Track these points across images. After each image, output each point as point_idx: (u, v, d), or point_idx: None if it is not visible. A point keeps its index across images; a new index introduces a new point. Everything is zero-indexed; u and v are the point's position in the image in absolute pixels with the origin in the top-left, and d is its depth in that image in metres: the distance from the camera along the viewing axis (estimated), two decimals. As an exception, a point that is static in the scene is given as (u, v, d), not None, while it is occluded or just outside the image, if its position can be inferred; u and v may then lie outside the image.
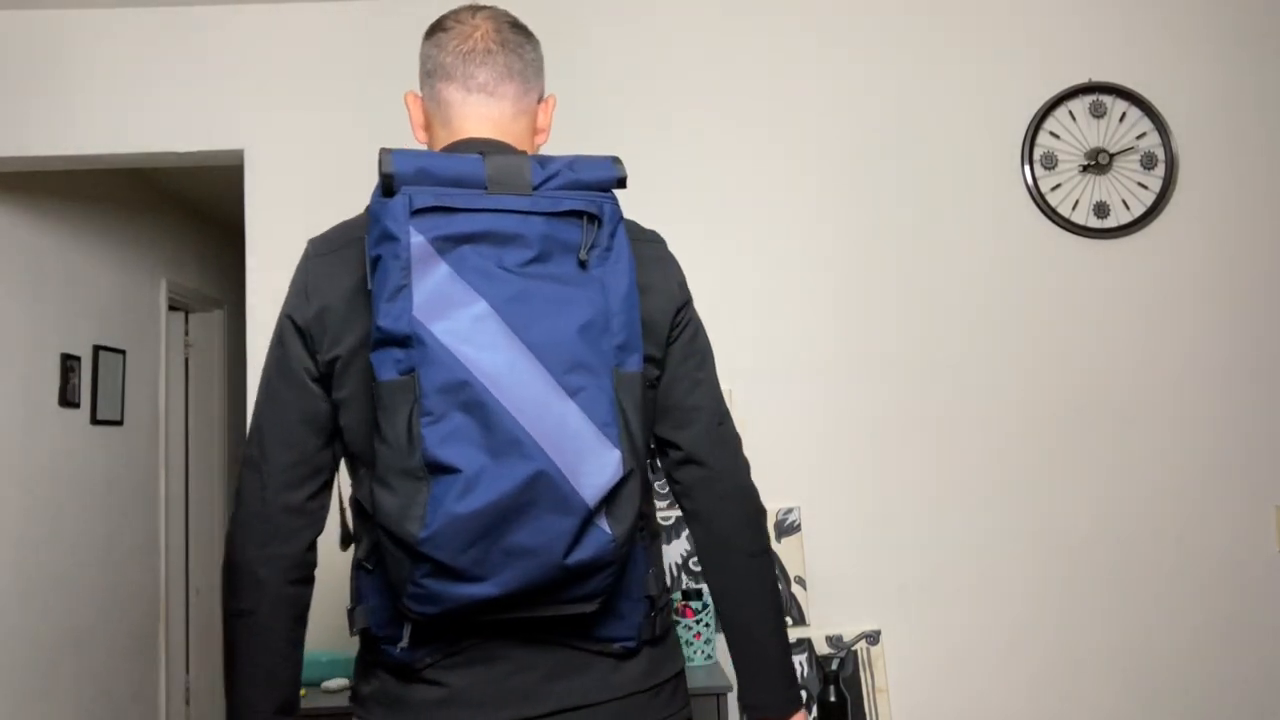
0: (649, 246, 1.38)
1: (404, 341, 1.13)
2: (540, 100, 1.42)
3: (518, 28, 1.40)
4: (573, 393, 1.15)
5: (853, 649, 2.67)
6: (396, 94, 2.85)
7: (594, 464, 1.15)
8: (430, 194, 1.16)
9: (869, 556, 2.74)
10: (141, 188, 4.24)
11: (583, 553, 1.16)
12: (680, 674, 1.38)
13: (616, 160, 1.25)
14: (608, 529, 1.17)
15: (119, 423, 3.97)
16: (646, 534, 1.33)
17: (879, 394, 2.79)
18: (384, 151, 1.18)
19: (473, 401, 1.12)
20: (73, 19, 2.85)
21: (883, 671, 2.67)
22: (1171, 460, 2.78)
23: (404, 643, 1.25)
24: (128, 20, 2.86)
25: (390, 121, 2.84)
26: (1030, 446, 2.78)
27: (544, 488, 1.13)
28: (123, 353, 3.99)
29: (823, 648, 2.66)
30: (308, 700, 2.40)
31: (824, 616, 2.71)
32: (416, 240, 1.15)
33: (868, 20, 2.89)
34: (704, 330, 1.43)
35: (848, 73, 2.87)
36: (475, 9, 1.39)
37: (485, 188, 1.18)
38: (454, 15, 1.37)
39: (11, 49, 2.84)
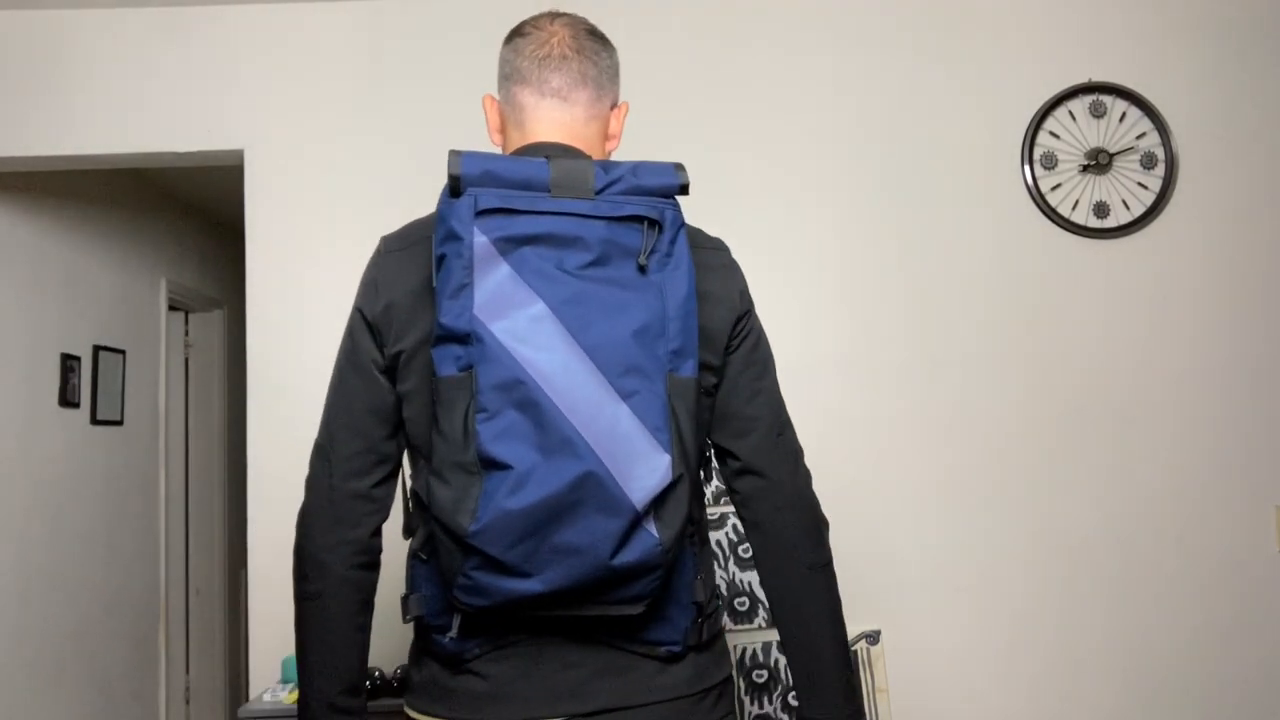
0: (712, 254, 1.38)
1: (464, 339, 1.16)
2: (613, 107, 1.44)
3: (594, 35, 1.43)
4: (626, 396, 1.17)
5: (853, 649, 2.67)
6: (397, 94, 2.85)
7: (644, 467, 1.17)
8: (495, 196, 1.20)
9: (869, 556, 2.74)
10: (141, 188, 4.24)
11: (629, 555, 1.17)
12: (727, 680, 1.37)
13: (679, 167, 1.26)
14: (655, 533, 1.18)
15: (119, 423, 3.97)
16: (696, 540, 1.35)
17: (879, 394, 2.79)
18: (453, 153, 1.22)
19: (527, 400, 1.15)
20: (73, 19, 2.85)
21: (883, 671, 2.67)
22: (1171, 460, 2.78)
23: (453, 633, 1.28)
24: (128, 20, 2.86)
25: (390, 121, 2.85)
26: (1030, 446, 2.78)
27: (593, 488, 1.15)
28: (123, 353, 3.99)
29: (823, 648, 2.66)
30: (308, 700, 2.40)
31: (824, 616, 2.71)
32: (480, 240, 1.18)
33: (867, 20, 2.89)
34: (766, 340, 1.42)
35: (847, 72, 2.87)
36: (554, 15, 1.42)
37: (549, 191, 1.21)
38: (533, 21, 1.41)
39: (11, 49, 2.84)
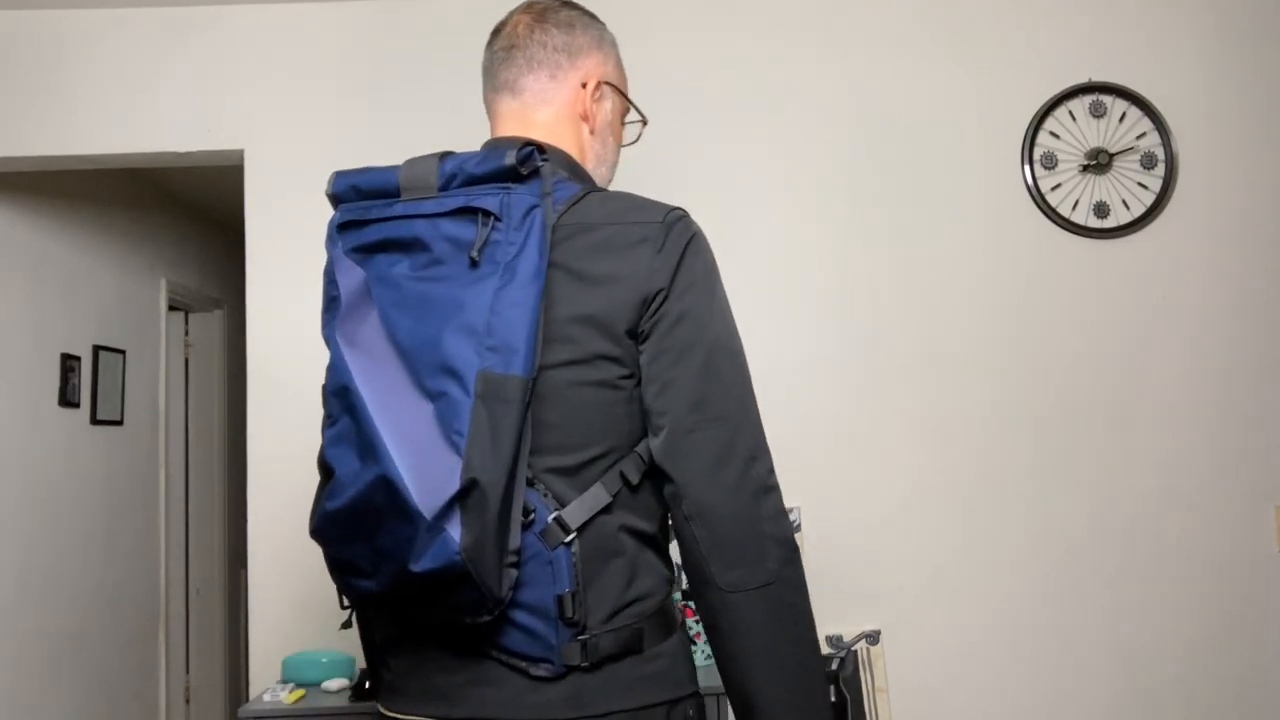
0: (620, 230, 1.24)
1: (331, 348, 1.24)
2: (586, 85, 1.39)
3: (560, 13, 1.41)
4: (434, 397, 1.14)
5: (853, 649, 2.67)
6: (397, 94, 2.85)
7: (439, 470, 1.11)
8: (354, 209, 1.24)
9: (869, 556, 2.74)
10: (141, 188, 4.24)
11: (427, 562, 1.11)
12: (633, 713, 1.21)
13: (513, 149, 1.19)
14: (455, 539, 1.10)
15: (119, 423, 3.97)
16: (576, 551, 1.20)
17: (879, 394, 2.79)
18: (332, 175, 1.27)
19: (351, 405, 1.18)
20: (73, 19, 2.85)
21: (883, 671, 2.67)
22: (1171, 460, 2.78)
23: (346, 620, 1.34)
24: (128, 20, 2.86)
25: (391, 121, 2.84)
26: (1030, 446, 2.78)
27: (389, 492, 1.12)
28: (123, 353, 3.99)
29: (823, 648, 2.66)
30: (308, 700, 2.40)
31: (824, 616, 2.70)
32: (337, 253, 1.24)
33: (867, 20, 2.89)
34: (698, 323, 1.24)
35: (847, 73, 2.87)
36: (528, 5, 1.42)
37: (399, 195, 1.22)
38: (507, 16, 1.43)
39: (11, 49, 2.84)
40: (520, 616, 1.18)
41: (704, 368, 1.23)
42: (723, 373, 1.24)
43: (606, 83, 1.42)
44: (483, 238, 1.17)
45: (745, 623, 1.19)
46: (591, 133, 1.41)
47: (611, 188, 1.43)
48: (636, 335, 1.22)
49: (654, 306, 1.22)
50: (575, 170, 1.37)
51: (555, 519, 1.18)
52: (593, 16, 1.45)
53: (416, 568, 1.12)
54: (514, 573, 1.16)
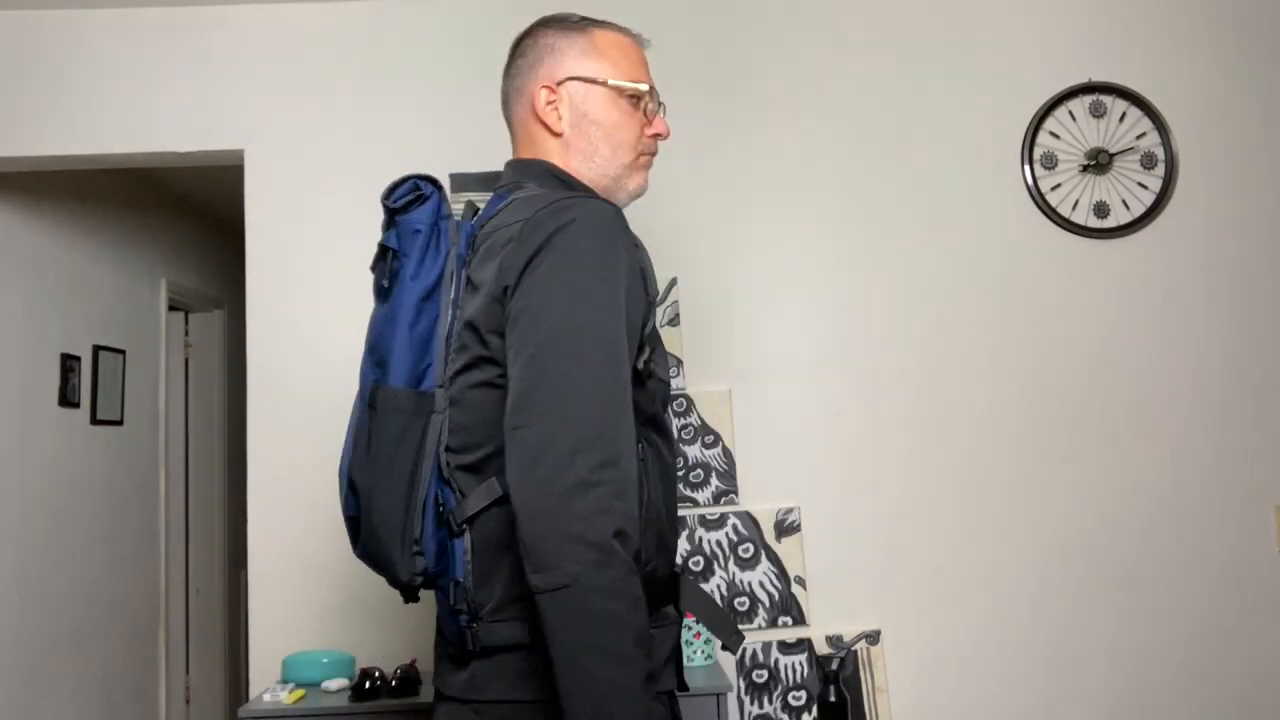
0: (503, 232, 1.30)
1: None
2: (537, 98, 1.45)
3: (522, 42, 1.49)
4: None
5: (853, 649, 2.67)
6: (397, 94, 2.85)
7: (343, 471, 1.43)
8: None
9: (869, 556, 2.74)
10: (141, 188, 4.24)
11: (359, 549, 1.39)
12: (513, 705, 1.24)
13: (409, 184, 1.37)
14: (357, 532, 1.40)
15: (119, 423, 3.97)
16: (467, 546, 1.28)
17: (879, 394, 2.79)
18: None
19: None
20: (73, 19, 2.85)
21: (883, 671, 2.67)
22: (1171, 460, 2.78)
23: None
24: (128, 20, 2.86)
25: (391, 121, 2.84)
26: (1030, 446, 2.78)
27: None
28: (123, 353, 3.99)
29: (823, 648, 2.66)
30: (308, 700, 2.40)
31: (824, 616, 2.71)
32: None
33: (868, 20, 2.89)
34: (533, 316, 1.23)
35: (847, 72, 2.87)
36: (518, 38, 1.53)
37: None
38: None
39: (11, 49, 2.84)
40: (443, 601, 1.33)
41: (529, 363, 1.22)
42: (549, 368, 1.20)
43: (568, 79, 1.44)
44: (388, 270, 1.36)
45: (548, 628, 1.14)
46: (560, 135, 1.45)
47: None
48: (502, 335, 1.27)
49: (509, 306, 1.25)
50: (557, 177, 1.43)
51: (452, 511, 1.29)
52: (558, 25, 1.48)
53: (358, 551, 1.39)
54: (420, 560, 1.30)
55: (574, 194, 1.34)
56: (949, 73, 2.87)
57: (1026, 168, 2.84)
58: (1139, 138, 2.85)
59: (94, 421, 3.77)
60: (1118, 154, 2.84)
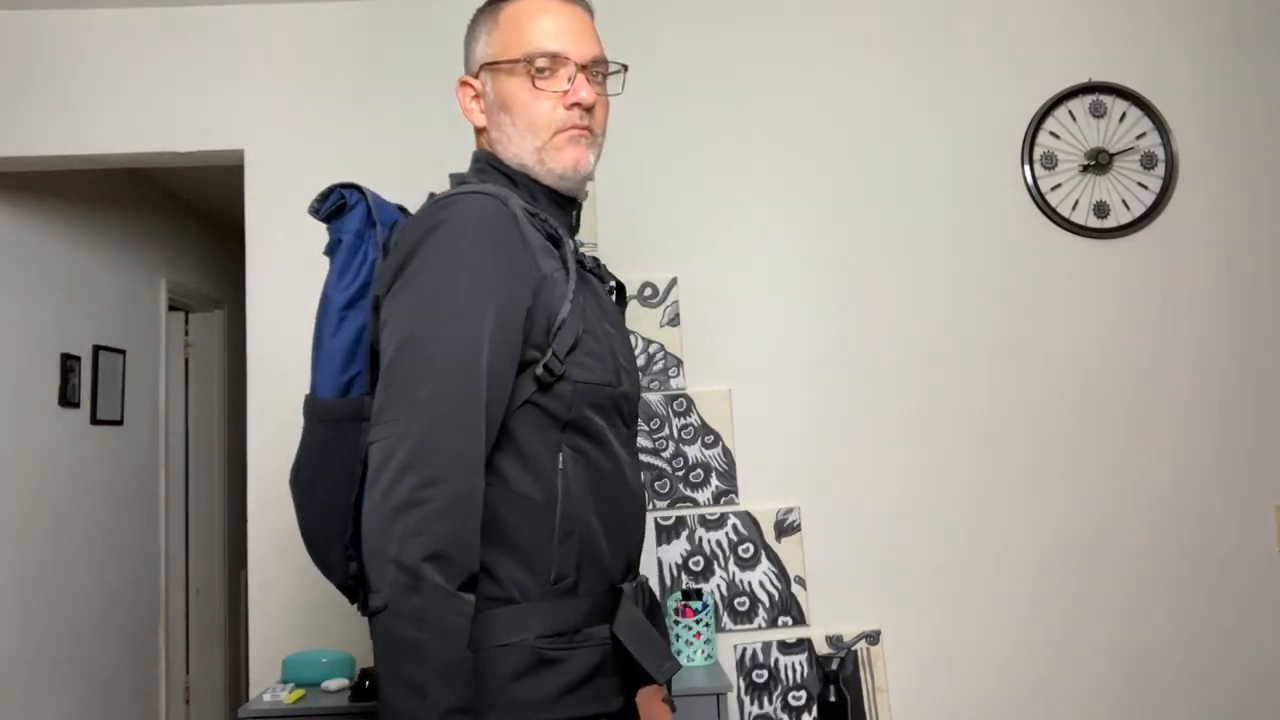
0: (397, 245, 1.30)
1: None
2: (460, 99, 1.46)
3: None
4: None
5: (853, 649, 2.67)
6: (397, 94, 2.85)
7: None
8: None
9: (869, 556, 2.74)
10: (141, 188, 4.24)
11: None
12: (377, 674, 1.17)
13: (335, 194, 1.39)
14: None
15: (119, 423, 3.97)
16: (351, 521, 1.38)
17: (878, 393, 2.79)
18: None
19: None
20: (73, 19, 2.85)
21: (883, 671, 2.67)
22: (1172, 460, 2.78)
23: None
24: (128, 20, 2.86)
25: (391, 121, 2.84)
26: (1030, 446, 2.78)
27: None
28: (123, 353, 3.99)
29: (823, 648, 2.66)
30: (308, 700, 2.40)
31: (824, 616, 2.71)
32: None
33: (867, 20, 2.89)
34: (393, 325, 1.21)
35: (847, 72, 2.87)
36: None
37: None
38: None
39: (11, 49, 2.84)
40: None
41: (383, 377, 1.20)
42: (395, 381, 1.18)
43: (480, 67, 1.40)
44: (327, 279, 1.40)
45: (374, 649, 1.13)
46: (483, 130, 1.42)
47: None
48: None
49: (382, 314, 1.26)
50: (494, 166, 1.39)
51: None
52: (478, 11, 1.44)
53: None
54: (354, 564, 1.35)
55: (464, 188, 1.29)
56: (949, 73, 2.87)
57: (1026, 168, 2.84)
58: (1139, 138, 2.85)
59: (94, 421, 3.77)
60: (1118, 154, 2.84)
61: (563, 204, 1.42)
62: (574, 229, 1.46)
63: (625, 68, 1.44)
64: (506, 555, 1.22)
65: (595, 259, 1.46)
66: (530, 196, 1.37)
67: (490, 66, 1.38)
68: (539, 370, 1.24)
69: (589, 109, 1.36)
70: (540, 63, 1.34)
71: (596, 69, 1.38)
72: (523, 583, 1.23)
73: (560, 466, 1.25)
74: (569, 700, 1.22)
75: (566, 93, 1.34)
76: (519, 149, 1.37)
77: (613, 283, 1.50)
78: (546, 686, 1.20)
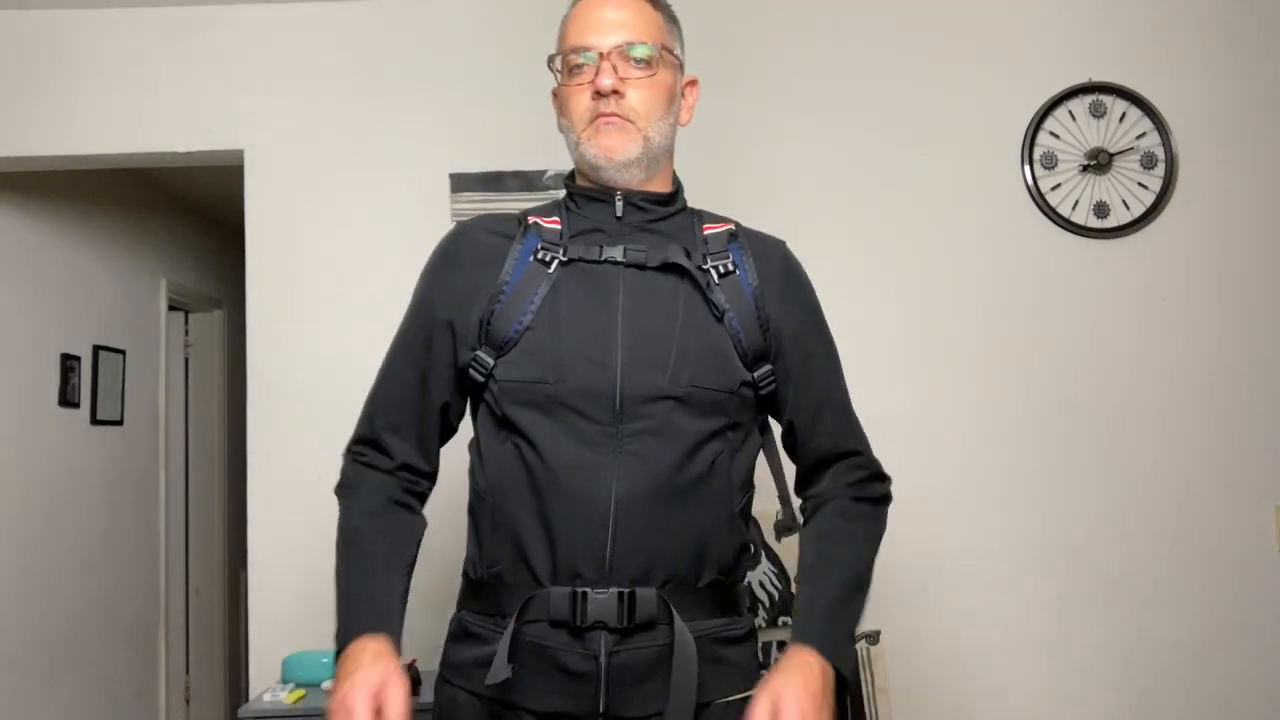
0: None
1: None
2: None
3: None
4: None
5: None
6: (397, 94, 2.85)
7: None
8: None
9: (869, 556, 2.73)
10: (142, 188, 4.24)
11: None
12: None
13: None
14: None
15: (119, 423, 3.97)
16: None
17: (878, 393, 2.78)
18: None
19: None
20: (73, 19, 2.85)
21: (883, 671, 2.67)
22: (1171, 460, 2.78)
23: None
24: (128, 20, 2.86)
25: (391, 121, 2.84)
26: (1029, 446, 2.77)
27: None
28: (123, 353, 3.99)
29: (823, 648, 2.66)
30: (308, 700, 2.40)
31: (824, 616, 2.70)
32: None
33: (867, 20, 2.89)
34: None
35: (847, 73, 2.87)
36: None
37: None
38: None
39: (11, 49, 2.84)
40: None
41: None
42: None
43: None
44: None
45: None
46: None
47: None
48: None
49: None
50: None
51: None
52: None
53: None
54: None
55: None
56: (949, 73, 2.87)
57: (1026, 168, 2.84)
58: (1139, 138, 2.85)
59: (94, 421, 3.77)
60: (1118, 154, 2.84)
61: (603, 198, 1.40)
62: (620, 219, 1.41)
63: (665, 49, 1.39)
64: (471, 536, 1.40)
65: (640, 249, 1.40)
66: (569, 196, 1.44)
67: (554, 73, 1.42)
68: (462, 363, 1.38)
69: (611, 95, 1.34)
70: (571, 59, 1.37)
71: (634, 54, 1.35)
72: (473, 561, 1.39)
73: (499, 462, 1.34)
74: (480, 673, 1.29)
75: (592, 83, 1.35)
76: (570, 146, 1.41)
77: (654, 265, 1.42)
78: (464, 655, 1.36)
